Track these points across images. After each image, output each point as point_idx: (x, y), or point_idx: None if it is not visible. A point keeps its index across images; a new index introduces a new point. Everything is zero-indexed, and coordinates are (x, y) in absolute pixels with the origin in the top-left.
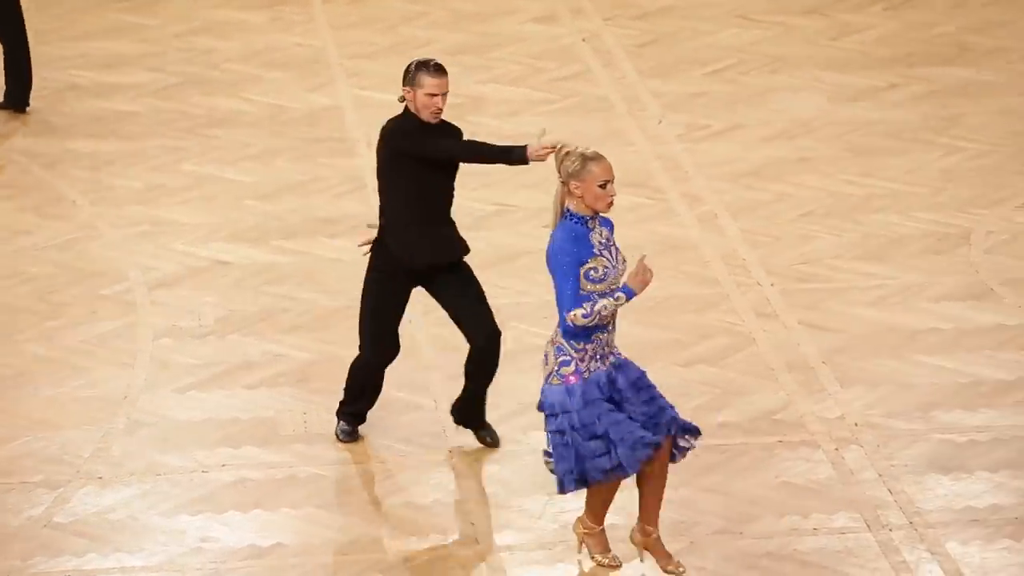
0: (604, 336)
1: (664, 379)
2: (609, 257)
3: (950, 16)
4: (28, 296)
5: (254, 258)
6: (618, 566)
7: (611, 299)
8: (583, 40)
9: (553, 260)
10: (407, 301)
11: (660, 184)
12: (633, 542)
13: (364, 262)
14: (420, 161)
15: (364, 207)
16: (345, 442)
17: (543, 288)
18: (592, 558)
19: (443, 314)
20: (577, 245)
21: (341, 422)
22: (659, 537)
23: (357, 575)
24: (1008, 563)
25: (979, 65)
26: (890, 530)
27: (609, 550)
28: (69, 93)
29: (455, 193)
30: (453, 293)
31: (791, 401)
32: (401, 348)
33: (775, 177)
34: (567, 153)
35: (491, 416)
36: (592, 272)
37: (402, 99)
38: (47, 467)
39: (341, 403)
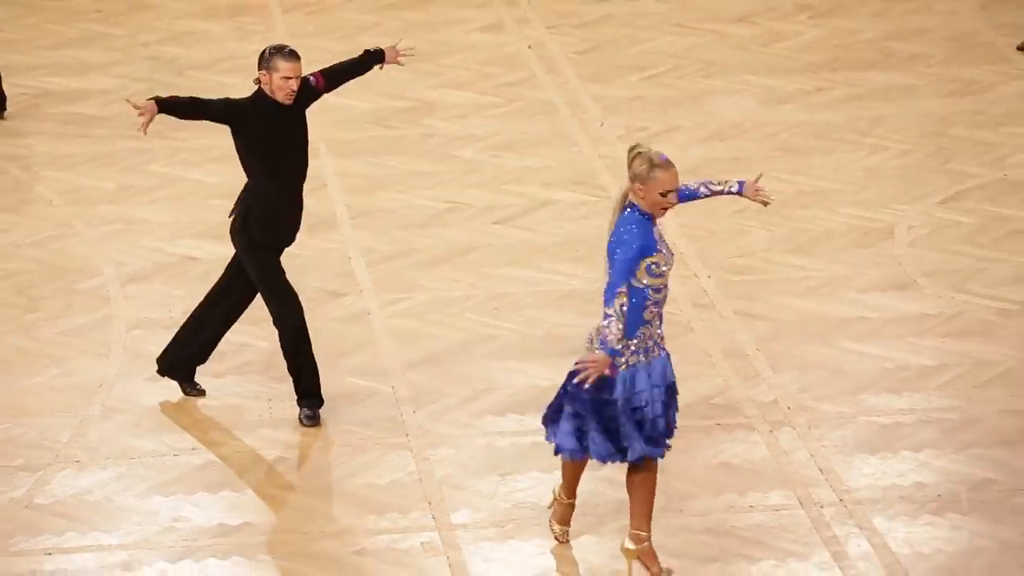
0: (649, 331)
1: None
2: (666, 253)
3: (873, 24)
4: (7, 291)
5: (220, 254)
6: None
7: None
8: (528, 47)
9: (619, 250)
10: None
11: (603, 182)
12: (625, 551)
13: (331, 257)
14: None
15: (323, 205)
16: (308, 426)
17: (493, 281)
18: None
19: (403, 305)
20: (644, 237)
21: (303, 408)
22: (650, 544)
23: (319, 552)
24: (931, 537)
25: (900, 70)
26: (821, 507)
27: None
28: (43, 99)
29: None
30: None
31: (727, 386)
32: (359, 338)
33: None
34: (639, 154)
35: (446, 403)
36: (654, 267)
37: (257, 81)
38: (27, 452)
39: (296, 388)
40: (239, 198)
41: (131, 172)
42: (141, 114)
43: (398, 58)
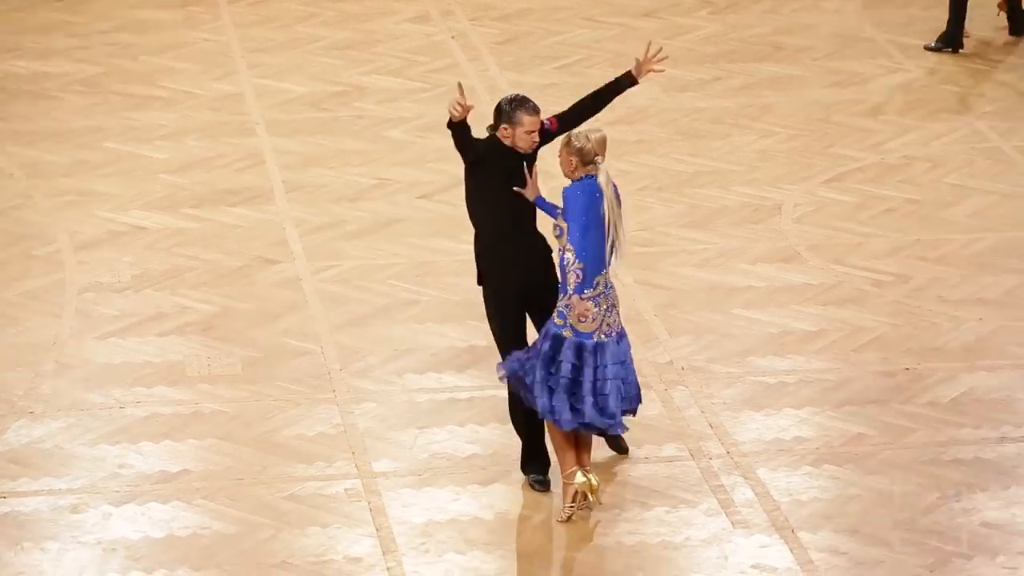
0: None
1: None
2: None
3: (765, 19)
4: None
5: (166, 224)
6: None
7: None
8: (452, 38)
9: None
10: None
11: None
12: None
13: (267, 227)
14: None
15: (261, 180)
16: (541, 491)
17: (416, 251)
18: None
19: (332, 272)
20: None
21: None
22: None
23: (252, 496)
24: (809, 486)
25: (789, 62)
26: (710, 459)
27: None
28: (6, 81)
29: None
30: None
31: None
32: (291, 302)
33: (617, 156)
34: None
35: (370, 361)
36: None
37: (491, 128)
38: None
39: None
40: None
41: (86, 148)
42: (461, 103)
43: (652, 67)
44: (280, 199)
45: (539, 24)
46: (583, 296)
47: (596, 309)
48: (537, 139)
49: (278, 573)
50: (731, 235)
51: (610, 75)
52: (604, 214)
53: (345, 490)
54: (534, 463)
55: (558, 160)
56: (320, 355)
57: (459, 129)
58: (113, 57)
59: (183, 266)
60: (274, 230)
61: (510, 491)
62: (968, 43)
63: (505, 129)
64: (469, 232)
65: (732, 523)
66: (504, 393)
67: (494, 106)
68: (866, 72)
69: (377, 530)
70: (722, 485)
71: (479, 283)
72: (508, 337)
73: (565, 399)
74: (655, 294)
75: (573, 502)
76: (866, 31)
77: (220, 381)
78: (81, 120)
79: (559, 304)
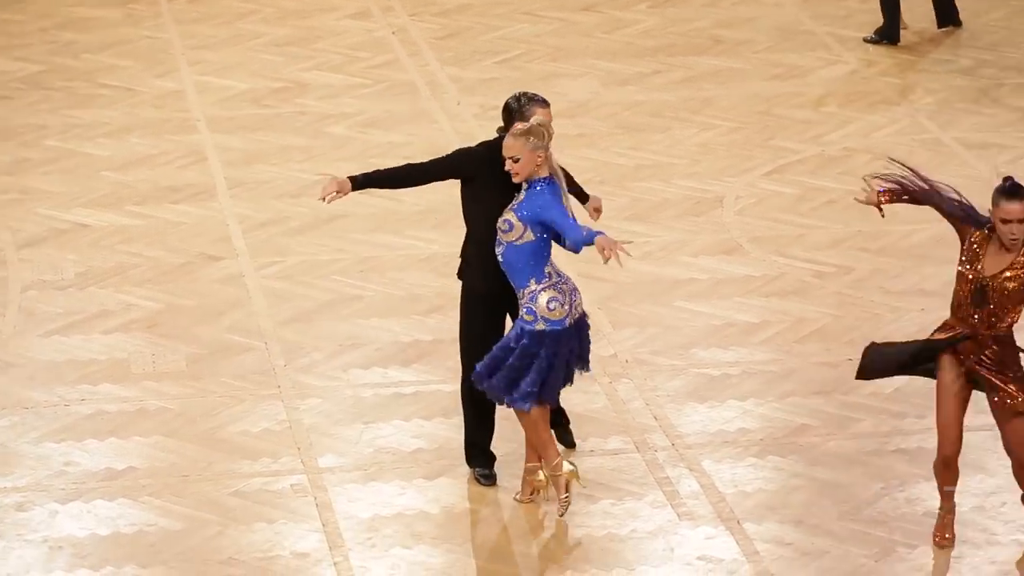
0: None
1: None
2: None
3: (704, 13)
4: None
5: (109, 221)
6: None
7: None
8: (392, 33)
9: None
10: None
11: None
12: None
13: (210, 223)
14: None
15: (204, 176)
16: (485, 485)
17: (359, 246)
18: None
19: (275, 268)
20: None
21: (475, 468)
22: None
23: (197, 493)
24: (753, 477)
25: (729, 55)
26: (655, 451)
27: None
28: None
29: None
30: None
31: None
32: (235, 298)
33: (557, 150)
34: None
35: (314, 357)
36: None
37: (500, 130)
38: None
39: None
40: (462, 249)
41: (28, 146)
42: (331, 195)
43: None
44: (223, 196)
45: (479, 19)
46: (544, 287)
47: (560, 296)
48: (552, 131)
49: (225, 570)
50: (673, 228)
51: (550, 69)
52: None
53: (291, 486)
54: (480, 457)
55: (517, 164)
56: (265, 351)
57: (426, 177)
58: (55, 55)
59: (127, 263)
60: (217, 227)
61: (456, 485)
62: (907, 35)
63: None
64: (413, 227)
65: (678, 515)
66: (449, 388)
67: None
68: (806, 65)
69: (323, 525)
70: (667, 477)
71: (459, 276)
72: (472, 337)
73: (539, 380)
74: (598, 287)
75: (567, 491)
76: (805, 24)
77: (165, 378)
78: (23, 118)
79: (523, 302)
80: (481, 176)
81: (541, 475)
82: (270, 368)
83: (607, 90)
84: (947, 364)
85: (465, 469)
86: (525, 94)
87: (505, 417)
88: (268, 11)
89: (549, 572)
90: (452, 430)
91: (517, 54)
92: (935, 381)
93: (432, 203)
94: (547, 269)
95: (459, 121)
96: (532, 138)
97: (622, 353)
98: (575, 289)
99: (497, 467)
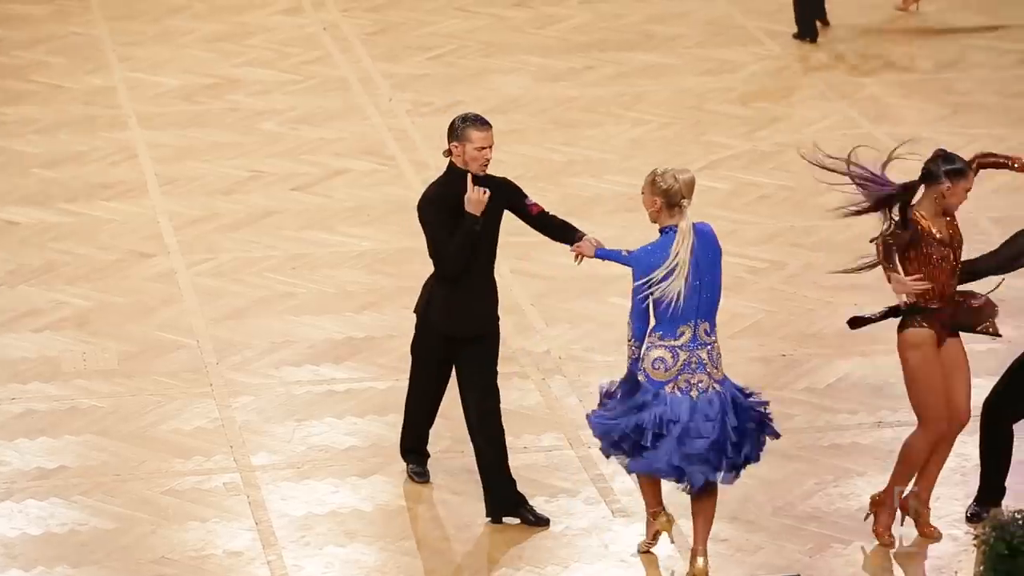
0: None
1: (395, 322)
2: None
3: (636, 8)
4: None
5: (40, 218)
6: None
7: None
8: (324, 29)
9: None
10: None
11: (392, 152)
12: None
13: (141, 220)
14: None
15: (134, 173)
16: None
17: (291, 243)
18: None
19: (207, 265)
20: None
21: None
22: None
23: (130, 492)
24: None
25: (661, 50)
26: (589, 447)
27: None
28: None
29: None
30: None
31: (505, 338)
32: (167, 295)
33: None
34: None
35: (246, 355)
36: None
37: (447, 153)
38: None
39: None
40: (425, 284)
41: None
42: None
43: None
44: (154, 192)
45: (410, 14)
46: (656, 343)
47: (671, 358)
48: (489, 156)
49: (157, 569)
50: (606, 223)
51: (482, 65)
52: (682, 264)
53: (224, 484)
54: (413, 454)
55: (642, 200)
56: (196, 349)
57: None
58: None
59: (57, 261)
60: (148, 224)
61: (390, 482)
62: (836, 30)
63: (456, 147)
64: (343, 223)
65: (612, 511)
66: (383, 385)
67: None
68: (737, 60)
69: (257, 524)
70: (601, 474)
71: (415, 311)
72: (423, 362)
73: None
74: (531, 284)
75: (653, 540)
76: (736, 19)
77: (96, 376)
78: None
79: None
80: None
81: (663, 517)
82: (202, 366)
83: (539, 86)
84: (928, 340)
85: (399, 467)
86: (468, 116)
87: (440, 415)
88: (199, 7)
89: (483, 570)
90: (385, 428)
91: (449, 50)
92: (876, 375)
93: (364, 200)
94: (681, 327)
95: (391, 117)
96: (659, 182)
97: (555, 350)
98: (702, 364)
99: (430, 464)
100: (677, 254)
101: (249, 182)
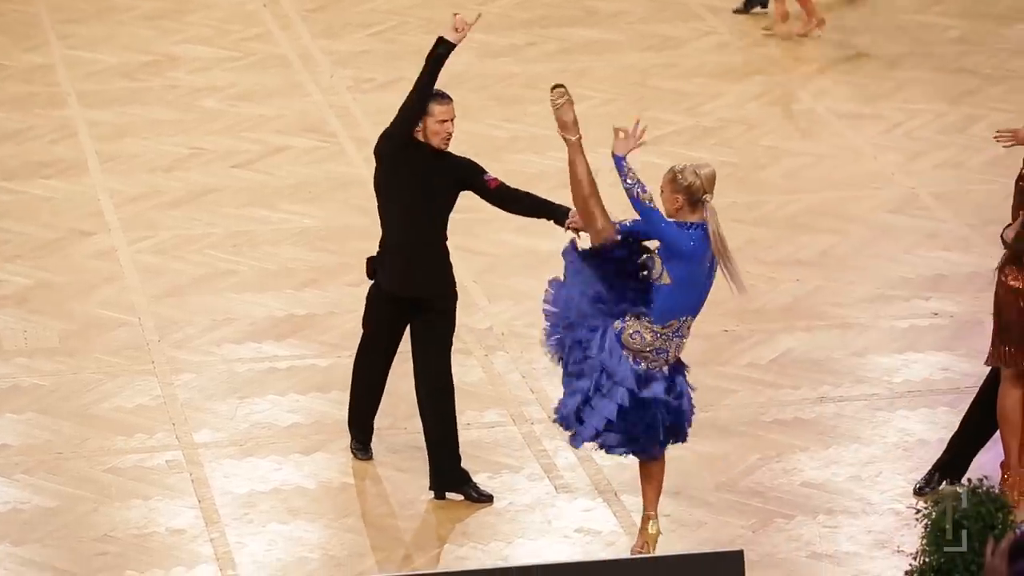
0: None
1: (337, 299)
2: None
3: None
4: None
5: None
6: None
7: None
8: (264, 6)
9: None
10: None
11: (334, 129)
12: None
13: (82, 198)
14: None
15: (74, 151)
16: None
17: (232, 220)
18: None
19: (148, 243)
20: None
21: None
22: None
23: (72, 470)
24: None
25: (603, 26)
26: (532, 424)
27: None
28: None
29: None
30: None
31: None
32: (108, 273)
33: None
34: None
35: (188, 332)
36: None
37: None
38: None
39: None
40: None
41: None
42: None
43: (569, 226)
44: (94, 170)
45: None
46: (644, 323)
47: (651, 337)
48: (451, 130)
49: (100, 547)
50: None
51: (423, 41)
52: (707, 263)
53: (167, 462)
54: (360, 431)
55: (660, 197)
56: (138, 326)
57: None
58: None
59: None
60: (89, 202)
61: (333, 459)
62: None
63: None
64: (285, 200)
65: (555, 487)
66: (325, 362)
67: None
68: (679, 36)
69: (199, 501)
70: (545, 450)
71: (369, 277)
72: (371, 335)
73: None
74: (474, 260)
75: (642, 549)
76: None
77: (37, 354)
78: None
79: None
80: (408, 165)
81: (652, 525)
82: (144, 343)
83: (481, 62)
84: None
85: (342, 444)
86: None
87: (386, 392)
88: None
89: (427, 546)
90: (328, 405)
91: (390, 26)
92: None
93: (305, 176)
94: (672, 320)
95: (332, 94)
96: (679, 179)
97: (498, 326)
98: (665, 351)
99: (374, 441)
100: (712, 258)
101: (190, 159)
